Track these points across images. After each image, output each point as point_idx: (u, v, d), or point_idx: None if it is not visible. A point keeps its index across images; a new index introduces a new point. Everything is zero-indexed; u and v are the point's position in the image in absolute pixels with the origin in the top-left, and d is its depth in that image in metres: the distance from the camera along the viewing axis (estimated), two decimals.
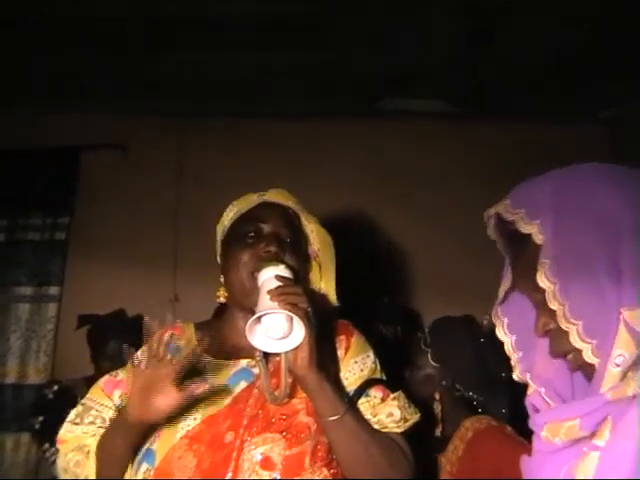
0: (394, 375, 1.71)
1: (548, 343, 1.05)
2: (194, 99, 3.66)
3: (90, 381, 3.21)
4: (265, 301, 1.40)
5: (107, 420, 1.57)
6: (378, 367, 1.63)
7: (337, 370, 1.57)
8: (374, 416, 1.53)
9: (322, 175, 3.83)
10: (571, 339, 0.93)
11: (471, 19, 2.81)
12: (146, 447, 1.50)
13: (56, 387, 3.15)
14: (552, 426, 1.00)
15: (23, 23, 2.82)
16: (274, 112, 3.80)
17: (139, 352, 1.66)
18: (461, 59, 3.20)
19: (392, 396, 1.56)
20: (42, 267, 3.89)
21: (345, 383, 1.56)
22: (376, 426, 1.52)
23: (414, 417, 1.58)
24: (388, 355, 2.34)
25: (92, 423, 1.57)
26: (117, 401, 1.60)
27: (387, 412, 1.53)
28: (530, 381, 1.09)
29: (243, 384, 1.51)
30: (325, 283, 1.68)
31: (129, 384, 1.57)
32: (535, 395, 1.09)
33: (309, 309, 1.40)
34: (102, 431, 1.54)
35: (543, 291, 0.96)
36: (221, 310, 3.23)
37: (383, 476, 1.46)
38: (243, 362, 1.54)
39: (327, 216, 3.41)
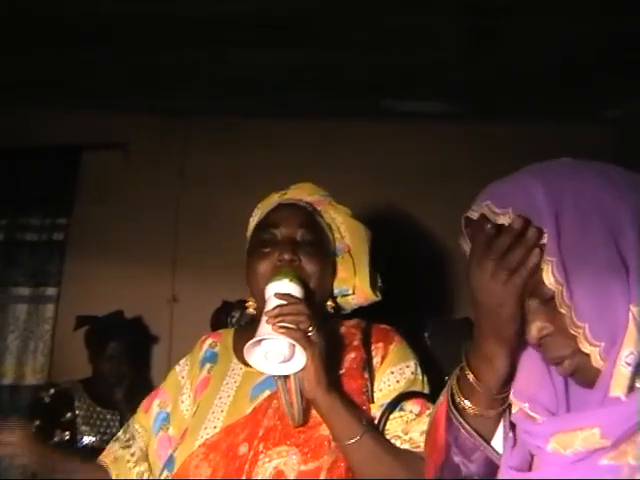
0: None
1: (529, 355, 1.00)
2: (195, 98, 3.65)
3: (88, 383, 3.22)
4: (264, 323, 1.33)
5: (135, 438, 1.58)
6: (419, 378, 1.48)
7: (369, 380, 1.45)
8: (405, 433, 1.40)
9: (324, 175, 3.77)
10: (579, 343, 0.89)
11: (473, 19, 2.79)
12: (169, 453, 1.48)
13: (53, 390, 3.13)
14: (563, 437, 0.91)
15: (24, 22, 2.80)
16: (276, 112, 3.78)
17: (183, 360, 1.64)
18: (463, 60, 3.19)
19: (428, 412, 1.38)
20: (40, 268, 3.87)
21: (378, 395, 1.43)
22: (407, 445, 1.38)
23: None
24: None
25: (127, 440, 1.59)
26: (156, 410, 1.59)
27: (420, 430, 1.36)
28: (513, 398, 1.01)
29: (267, 393, 1.45)
30: (359, 279, 1.56)
31: (170, 392, 1.59)
32: (519, 414, 1.01)
33: (310, 328, 1.31)
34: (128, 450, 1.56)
35: (538, 295, 0.92)
36: (219, 312, 3.24)
37: None
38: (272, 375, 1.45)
39: None
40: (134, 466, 1.55)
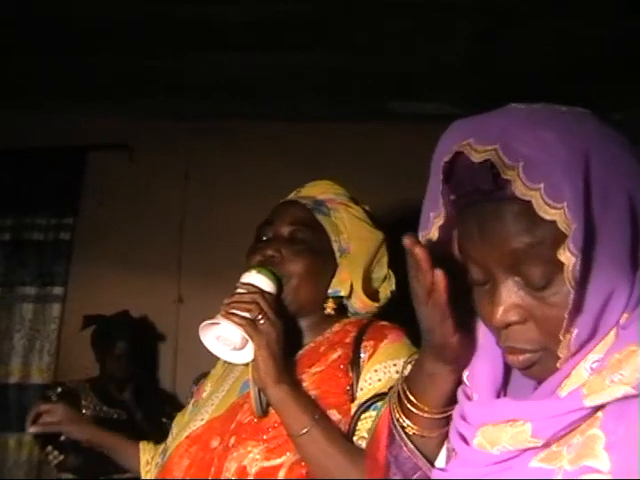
0: None
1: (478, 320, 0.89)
2: (201, 101, 3.65)
3: (94, 383, 3.23)
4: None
5: None
6: None
7: (355, 379, 1.41)
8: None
9: (330, 178, 3.81)
10: (560, 349, 0.79)
11: (478, 21, 2.79)
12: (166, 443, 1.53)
13: (60, 389, 3.13)
14: (491, 431, 0.81)
15: (29, 23, 2.81)
16: (281, 115, 3.79)
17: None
18: (468, 62, 3.19)
19: None
20: (46, 267, 3.88)
21: (359, 394, 1.38)
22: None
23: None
24: None
25: None
26: None
27: None
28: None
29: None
30: (355, 283, 1.53)
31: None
32: (459, 390, 0.92)
33: (260, 318, 1.32)
34: None
35: (525, 276, 0.79)
36: None
37: None
38: None
39: None
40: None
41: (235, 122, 3.85)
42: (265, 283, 1.40)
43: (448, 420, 0.93)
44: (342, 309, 1.57)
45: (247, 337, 1.31)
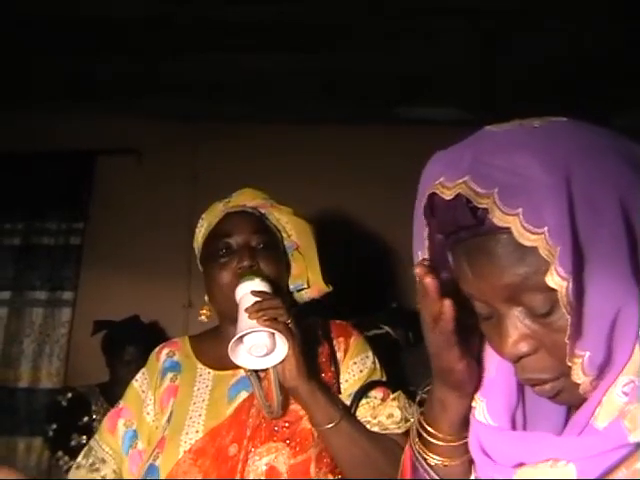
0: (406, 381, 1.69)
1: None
2: (210, 104, 3.66)
3: (105, 387, 3.23)
4: (244, 320, 1.38)
5: (106, 461, 1.57)
6: (378, 367, 1.60)
7: (335, 373, 1.54)
8: (374, 417, 1.50)
9: (337, 181, 3.81)
10: (573, 374, 0.75)
11: (484, 25, 2.79)
12: (149, 463, 1.48)
13: (70, 394, 3.14)
14: (530, 472, 0.77)
15: (40, 24, 2.82)
16: (290, 118, 3.79)
17: (139, 374, 1.65)
18: (474, 66, 3.18)
19: (392, 396, 1.53)
20: (56, 272, 3.89)
21: (345, 385, 1.54)
22: (376, 428, 1.49)
23: (415, 417, 1.53)
24: (398, 360, 2.34)
25: (92, 465, 1.58)
26: (122, 430, 1.59)
27: (387, 413, 1.50)
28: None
29: (244, 394, 1.50)
30: (311, 272, 1.64)
31: (132, 409, 1.59)
32: (476, 421, 0.88)
33: (289, 320, 1.39)
34: (99, 473, 1.55)
35: (526, 304, 0.76)
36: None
37: (385, 477, 1.41)
38: (242, 372, 1.51)
39: (341, 220, 3.42)
40: None
41: (243, 125, 3.85)
42: (268, 288, 1.46)
43: (467, 447, 0.92)
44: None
45: (283, 340, 1.36)
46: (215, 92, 3.49)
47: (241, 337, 1.37)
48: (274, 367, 1.40)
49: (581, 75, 3.23)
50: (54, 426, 3.02)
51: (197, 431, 1.46)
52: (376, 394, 1.53)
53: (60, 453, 2.97)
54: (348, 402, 1.51)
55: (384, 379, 1.59)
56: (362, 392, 1.52)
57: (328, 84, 3.41)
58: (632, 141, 0.82)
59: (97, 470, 1.56)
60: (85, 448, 1.62)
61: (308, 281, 1.64)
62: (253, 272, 1.50)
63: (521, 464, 0.79)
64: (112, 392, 3.21)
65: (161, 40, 2.98)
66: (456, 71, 3.22)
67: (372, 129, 3.85)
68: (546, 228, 0.71)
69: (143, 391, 1.61)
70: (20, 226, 3.96)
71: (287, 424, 1.44)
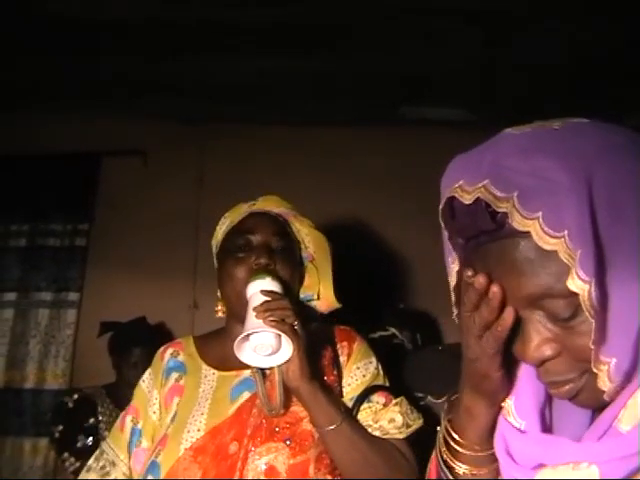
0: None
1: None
2: (213, 105, 3.66)
3: (111, 389, 3.23)
4: (252, 318, 1.40)
5: (116, 464, 1.59)
6: (381, 373, 1.62)
7: (338, 377, 1.56)
8: (375, 422, 1.51)
9: (341, 182, 3.82)
10: (599, 381, 0.74)
11: (489, 26, 2.78)
12: (151, 459, 1.51)
13: (76, 395, 3.13)
14: (551, 473, 0.77)
15: (44, 27, 2.82)
16: (294, 119, 3.79)
17: (146, 374, 1.67)
18: (478, 67, 3.18)
19: (394, 402, 1.55)
20: (62, 273, 3.90)
21: (347, 389, 1.56)
22: (377, 432, 1.50)
23: (417, 423, 1.56)
24: (402, 363, 2.33)
25: (103, 467, 1.60)
26: (129, 425, 1.62)
27: (389, 418, 1.52)
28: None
29: (246, 394, 1.52)
30: (323, 286, 1.68)
31: (139, 407, 1.62)
32: (503, 420, 0.88)
33: (296, 322, 1.40)
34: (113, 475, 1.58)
35: (546, 309, 0.75)
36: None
37: None
38: (246, 372, 1.53)
39: (345, 222, 3.42)
40: None
41: (248, 125, 3.86)
42: (280, 289, 1.48)
43: (494, 457, 0.91)
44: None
45: (289, 341, 1.37)
46: (220, 93, 3.49)
47: (248, 335, 1.38)
48: (279, 366, 1.42)
49: (589, 76, 3.22)
50: (60, 427, 3.02)
51: (199, 429, 1.48)
52: (378, 399, 1.55)
53: (66, 454, 2.96)
54: (350, 405, 1.53)
55: (387, 384, 1.61)
56: (364, 396, 1.54)
57: (330, 85, 3.40)
58: None
59: (107, 474, 1.58)
60: (97, 451, 1.65)
61: (319, 294, 1.67)
62: (267, 271, 1.51)
63: (541, 465, 0.79)
64: (118, 393, 3.21)
65: (166, 41, 2.98)
66: (458, 71, 3.22)
67: (375, 130, 3.85)
68: (566, 232, 0.70)
69: (149, 390, 1.64)
70: (25, 227, 3.97)
71: (288, 425, 1.46)
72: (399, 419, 1.52)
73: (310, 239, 1.69)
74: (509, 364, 0.87)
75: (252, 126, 3.85)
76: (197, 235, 3.85)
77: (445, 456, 0.96)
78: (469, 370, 0.88)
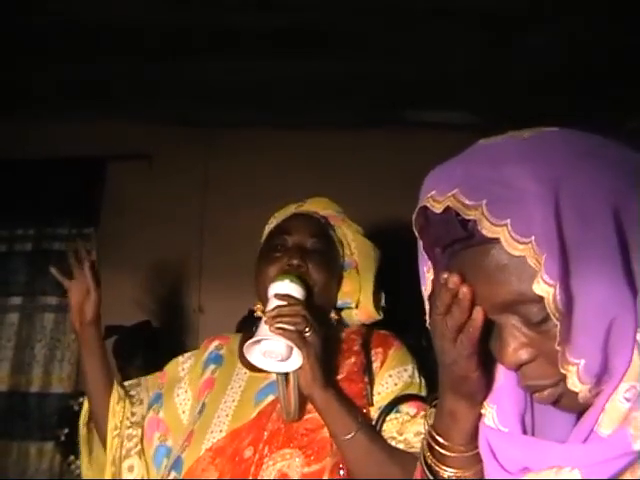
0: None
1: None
2: (219, 109, 3.66)
3: None
4: (263, 323, 1.38)
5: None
6: (417, 381, 1.54)
7: (369, 384, 1.50)
8: (400, 434, 1.44)
9: (345, 185, 3.81)
10: (568, 381, 0.75)
11: (492, 29, 2.78)
12: (177, 454, 1.52)
13: (82, 399, 3.13)
14: (536, 476, 0.78)
15: (50, 31, 2.83)
16: (298, 123, 3.80)
17: (186, 355, 1.71)
18: (482, 70, 3.18)
19: (422, 413, 1.43)
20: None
21: (377, 398, 1.49)
22: (401, 445, 1.42)
23: (425, 430, 1.50)
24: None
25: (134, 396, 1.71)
26: (154, 387, 1.67)
27: (415, 430, 1.42)
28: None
29: (271, 397, 1.50)
30: (363, 296, 1.63)
31: (167, 378, 1.68)
32: (485, 426, 0.89)
33: (307, 329, 1.36)
34: None
35: (521, 314, 0.77)
36: (245, 320, 3.25)
37: None
38: (274, 375, 1.50)
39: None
40: (129, 427, 1.65)
41: (253, 129, 3.86)
42: (299, 291, 1.44)
43: (479, 457, 0.92)
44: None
45: (297, 349, 1.34)
46: (226, 97, 3.50)
47: (258, 340, 1.37)
48: (294, 372, 1.39)
49: (589, 79, 3.22)
50: (66, 431, 3.02)
51: (221, 430, 1.48)
52: (408, 409, 1.47)
53: (72, 458, 2.97)
54: (377, 415, 1.46)
55: (423, 393, 1.52)
56: (392, 406, 1.46)
57: (334, 89, 3.41)
58: (626, 147, 0.82)
59: (134, 404, 1.68)
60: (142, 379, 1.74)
61: (359, 303, 1.63)
62: (291, 274, 1.48)
63: (526, 469, 0.80)
64: None
65: (172, 46, 2.99)
66: (460, 74, 3.22)
67: (378, 133, 3.85)
68: (533, 237, 0.72)
69: (182, 369, 1.67)
70: (31, 232, 3.98)
71: (306, 431, 1.43)
72: None
73: (356, 245, 1.66)
74: (486, 363, 0.88)
75: (257, 129, 3.86)
76: (202, 239, 3.86)
77: (430, 461, 0.96)
78: (447, 374, 0.89)
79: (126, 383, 1.73)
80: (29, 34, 2.87)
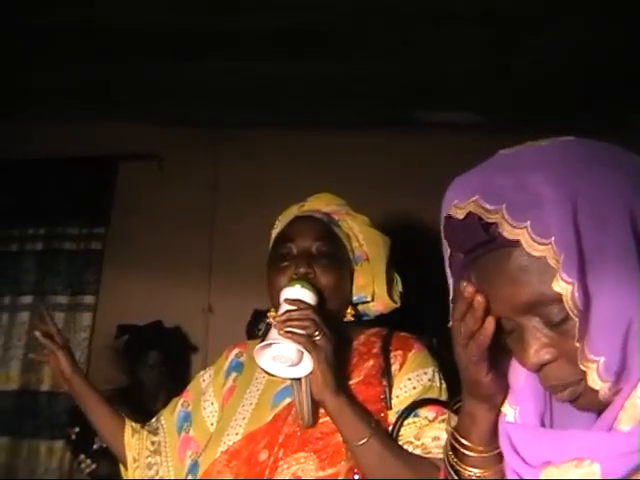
0: None
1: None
2: (229, 109, 3.67)
3: (126, 392, 3.24)
4: (273, 328, 1.38)
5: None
6: (437, 385, 1.50)
7: (388, 388, 1.47)
8: (418, 439, 1.40)
9: (356, 185, 3.80)
10: (589, 380, 0.77)
11: (498, 29, 2.78)
12: (193, 459, 1.53)
13: None
14: (555, 473, 0.79)
15: (61, 33, 2.85)
16: (308, 124, 3.80)
17: (207, 371, 1.71)
18: (482, 70, 3.17)
19: (441, 418, 1.39)
20: (77, 276, 3.92)
21: (395, 401, 1.46)
22: (418, 450, 1.39)
23: (448, 431, 1.48)
24: None
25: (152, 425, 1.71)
26: (179, 408, 1.67)
27: (432, 435, 1.39)
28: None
29: (287, 401, 1.49)
30: (377, 286, 1.60)
31: (192, 394, 1.67)
32: (505, 422, 0.91)
33: (317, 333, 1.35)
34: None
35: (543, 315, 0.79)
36: (254, 321, 3.25)
37: None
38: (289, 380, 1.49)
39: None
40: (148, 456, 1.65)
41: (264, 130, 3.86)
42: (309, 296, 1.43)
43: (500, 457, 0.94)
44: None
45: (307, 354, 1.33)
46: (235, 98, 3.50)
47: (268, 344, 1.36)
48: (306, 377, 1.37)
49: (591, 80, 3.21)
50: (76, 429, 3.03)
51: (237, 433, 1.48)
52: (427, 413, 1.43)
53: (82, 456, 2.98)
54: (394, 419, 1.44)
55: (443, 398, 1.48)
56: (410, 410, 1.43)
57: (344, 90, 3.40)
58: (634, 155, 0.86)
59: (155, 434, 1.67)
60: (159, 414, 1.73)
61: (374, 294, 1.61)
62: (302, 279, 1.47)
63: (547, 462, 0.81)
64: (133, 396, 3.23)
65: (181, 47, 2.99)
66: (467, 74, 3.21)
67: (389, 133, 3.84)
68: (553, 238, 0.75)
69: (204, 381, 1.67)
70: (42, 231, 4.00)
71: (321, 435, 1.41)
72: (444, 437, 1.30)
73: (364, 236, 1.64)
74: (502, 368, 0.91)
75: (267, 130, 3.86)
76: (212, 239, 3.87)
77: (452, 461, 0.99)
78: (463, 377, 0.93)
79: (152, 421, 1.75)
80: (44, 37, 2.88)
